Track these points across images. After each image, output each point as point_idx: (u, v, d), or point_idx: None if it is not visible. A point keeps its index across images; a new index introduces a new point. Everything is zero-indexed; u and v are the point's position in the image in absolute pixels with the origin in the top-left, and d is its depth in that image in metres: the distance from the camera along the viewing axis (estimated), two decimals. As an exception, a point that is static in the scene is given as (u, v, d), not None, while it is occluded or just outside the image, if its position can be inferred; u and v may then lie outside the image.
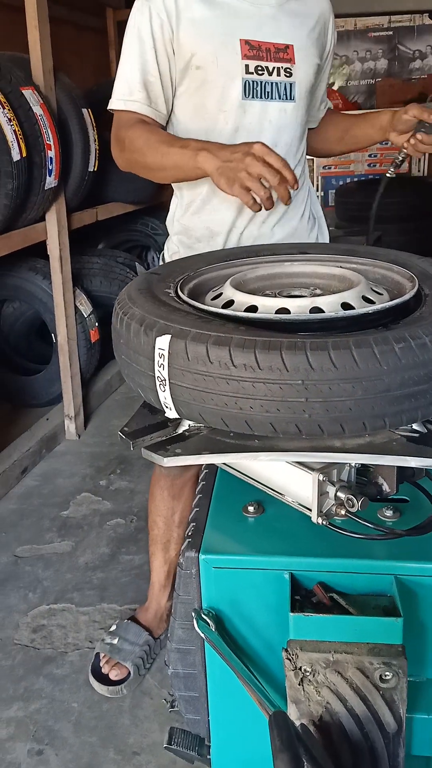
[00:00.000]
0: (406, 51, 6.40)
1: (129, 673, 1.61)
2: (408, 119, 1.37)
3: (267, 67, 1.34)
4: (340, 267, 1.12)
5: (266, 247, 1.26)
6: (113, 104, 1.38)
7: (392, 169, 1.40)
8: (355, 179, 5.53)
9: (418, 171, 6.31)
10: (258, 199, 1.14)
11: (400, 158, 1.41)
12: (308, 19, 1.42)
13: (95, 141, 2.99)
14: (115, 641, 1.65)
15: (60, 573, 2.08)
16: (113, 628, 1.71)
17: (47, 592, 2.00)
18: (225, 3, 1.33)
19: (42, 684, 1.67)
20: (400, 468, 0.92)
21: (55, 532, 2.30)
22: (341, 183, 4.99)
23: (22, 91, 2.40)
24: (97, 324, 3.13)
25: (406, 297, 0.94)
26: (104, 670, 1.62)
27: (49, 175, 2.54)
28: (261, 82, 1.34)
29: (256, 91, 1.35)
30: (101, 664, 1.63)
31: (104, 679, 1.61)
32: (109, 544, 2.22)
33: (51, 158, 2.53)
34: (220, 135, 1.37)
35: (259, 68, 1.34)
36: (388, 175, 1.41)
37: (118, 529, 2.31)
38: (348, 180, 5.45)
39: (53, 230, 2.78)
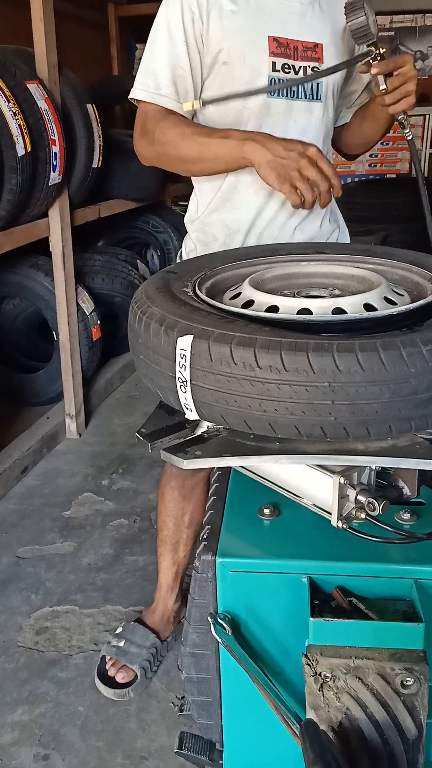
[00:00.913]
0: (408, 52, 6.39)
1: (136, 676, 1.60)
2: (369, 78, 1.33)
3: (294, 66, 1.33)
4: (358, 267, 1.11)
5: (281, 246, 1.24)
6: (137, 94, 1.35)
7: (406, 131, 1.34)
8: (356, 179, 5.52)
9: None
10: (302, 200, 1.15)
11: (398, 118, 1.34)
12: (338, 16, 1.40)
13: (99, 137, 2.97)
14: (122, 644, 1.64)
15: (63, 574, 2.06)
16: (119, 630, 1.69)
17: (50, 593, 1.98)
18: None
19: (47, 687, 1.65)
20: (420, 471, 0.91)
21: (57, 532, 2.28)
22: (343, 183, 4.98)
23: (27, 85, 2.38)
24: (99, 322, 3.11)
25: (431, 298, 0.93)
26: (110, 673, 1.61)
27: (53, 171, 2.52)
28: (288, 81, 1.33)
29: (283, 89, 1.33)
30: (107, 667, 1.62)
31: (111, 682, 1.60)
32: (113, 544, 2.21)
33: (55, 154, 2.51)
34: None
35: (286, 66, 1.33)
36: (408, 139, 1.34)
37: (121, 529, 2.29)
38: (349, 180, 5.44)
39: (56, 227, 2.75)
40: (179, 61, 1.31)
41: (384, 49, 1.25)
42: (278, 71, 1.32)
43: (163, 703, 1.59)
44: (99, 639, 1.79)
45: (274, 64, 1.32)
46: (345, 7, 1.22)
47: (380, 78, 1.25)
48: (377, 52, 1.24)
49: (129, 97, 1.38)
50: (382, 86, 1.25)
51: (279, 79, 1.32)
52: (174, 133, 1.28)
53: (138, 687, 1.60)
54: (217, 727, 1.05)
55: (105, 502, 2.46)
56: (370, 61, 1.25)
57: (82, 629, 1.83)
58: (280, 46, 1.32)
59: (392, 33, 6.27)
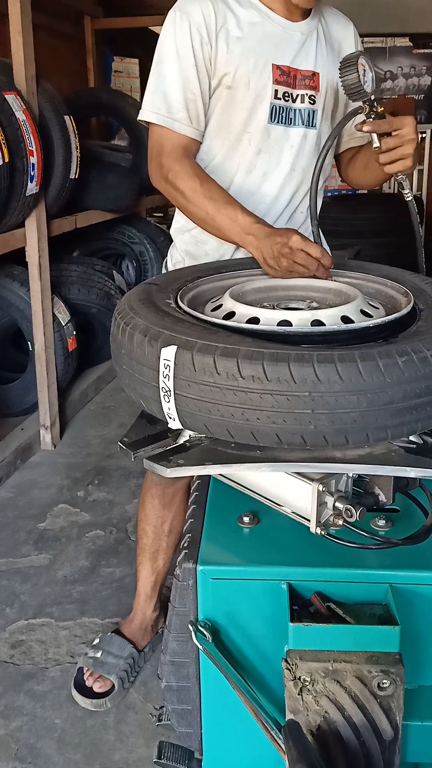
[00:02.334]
0: (378, 71, 6.55)
1: (113, 686, 1.59)
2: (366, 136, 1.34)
3: (292, 94, 1.37)
4: (335, 281, 1.14)
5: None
6: (148, 116, 1.36)
7: (405, 192, 1.30)
8: (328, 194, 5.62)
9: (389, 188, 6.45)
10: None
11: (397, 178, 1.29)
12: (334, 45, 1.45)
13: (77, 148, 2.99)
14: (99, 654, 1.63)
15: (38, 587, 2.05)
16: (96, 641, 1.68)
17: (25, 606, 1.96)
18: (259, 25, 1.34)
19: (23, 701, 1.63)
20: (396, 478, 0.93)
21: (31, 545, 2.26)
22: (316, 197, 5.06)
23: (5, 96, 2.39)
24: (74, 332, 3.11)
25: (405, 311, 0.97)
26: (88, 684, 1.60)
27: (31, 182, 2.52)
28: (286, 108, 1.37)
29: (281, 116, 1.37)
30: (84, 678, 1.61)
31: (87, 693, 1.59)
32: (89, 556, 2.20)
33: (33, 164, 2.51)
34: (243, 156, 1.39)
35: (286, 94, 1.36)
36: (407, 198, 1.31)
37: (97, 541, 2.28)
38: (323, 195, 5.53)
39: (33, 237, 2.75)
40: (190, 85, 1.32)
41: (381, 108, 1.21)
42: (279, 99, 1.36)
43: (141, 714, 1.58)
44: (75, 651, 1.78)
45: (276, 91, 1.35)
46: (340, 63, 1.20)
47: (374, 136, 1.21)
48: (371, 109, 1.20)
49: (139, 118, 1.39)
50: (376, 144, 1.21)
51: (279, 107, 1.36)
52: (187, 186, 1.30)
53: (115, 697, 1.59)
54: (197, 736, 1.06)
55: (81, 513, 2.45)
56: (365, 118, 1.21)
57: (58, 642, 1.82)
58: (283, 74, 1.35)
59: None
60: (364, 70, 1.17)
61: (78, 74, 4.55)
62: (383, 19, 2.48)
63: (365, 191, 6.50)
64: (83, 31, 4.56)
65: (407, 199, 1.30)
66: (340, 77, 1.20)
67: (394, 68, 6.52)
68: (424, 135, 6.30)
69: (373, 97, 1.20)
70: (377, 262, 1.30)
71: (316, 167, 1.22)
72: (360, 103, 1.21)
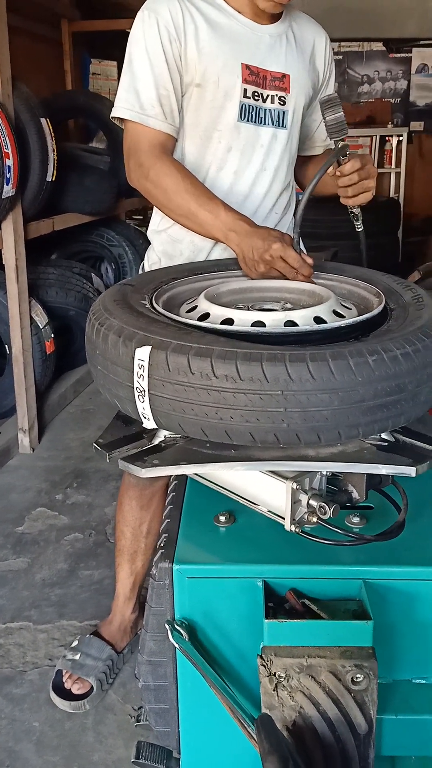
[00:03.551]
0: (355, 75, 6.62)
1: (92, 687, 1.59)
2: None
3: (262, 94, 1.39)
4: (310, 282, 1.16)
5: (234, 261, 1.28)
6: (122, 113, 1.36)
7: (357, 224, 1.40)
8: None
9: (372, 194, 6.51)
10: None
11: (353, 211, 1.39)
12: (305, 50, 1.47)
13: (54, 151, 2.98)
14: (77, 657, 1.63)
15: (16, 591, 2.03)
16: (75, 643, 1.68)
17: (3, 610, 1.95)
18: (227, 26, 1.36)
19: (1, 704, 1.62)
20: (369, 476, 0.95)
21: (9, 548, 2.24)
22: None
23: (-20, 100, 2.38)
24: (52, 335, 3.10)
25: (376, 312, 0.98)
26: (66, 686, 1.59)
27: (7, 184, 2.51)
28: (256, 107, 1.38)
29: (251, 115, 1.38)
30: (63, 680, 1.61)
31: (66, 695, 1.58)
32: (67, 559, 2.19)
33: (9, 167, 2.50)
34: (214, 154, 1.40)
35: (256, 94, 1.38)
36: (359, 230, 1.41)
37: (76, 544, 2.27)
38: (299, 197, 5.58)
39: (9, 240, 2.74)
40: (162, 81, 1.33)
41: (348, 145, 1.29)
42: (248, 98, 1.37)
43: (120, 715, 1.58)
44: (54, 654, 1.77)
45: (245, 90, 1.37)
46: (322, 104, 1.26)
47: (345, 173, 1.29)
48: (349, 146, 1.27)
49: (112, 116, 1.39)
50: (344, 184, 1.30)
51: (248, 106, 1.38)
52: (168, 183, 1.31)
53: (94, 699, 1.59)
54: (175, 734, 1.06)
55: (59, 516, 2.44)
56: (340, 158, 1.27)
57: (36, 645, 1.81)
58: (252, 74, 1.37)
59: (340, 57, 6.49)
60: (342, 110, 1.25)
61: (55, 77, 4.54)
62: (357, 24, 2.52)
63: (361, 228, 6.54)
64: (60, 34, 4.55)
65: (359, 230, 1.41)
66: (325, 115, 1.25)
67: (370, 72, 6.60)
68: (400, 138, 6.38)
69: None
70: (355, 263, 1.33)
71: (309, 187, 1.22)
72: (342, 142, 1.27)
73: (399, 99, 6.66)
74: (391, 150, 6.49)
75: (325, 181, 1.31)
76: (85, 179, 3.49)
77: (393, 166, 6.47)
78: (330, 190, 1.38)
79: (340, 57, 6.49)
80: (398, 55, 6.28)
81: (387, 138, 6.50)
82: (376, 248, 4.86)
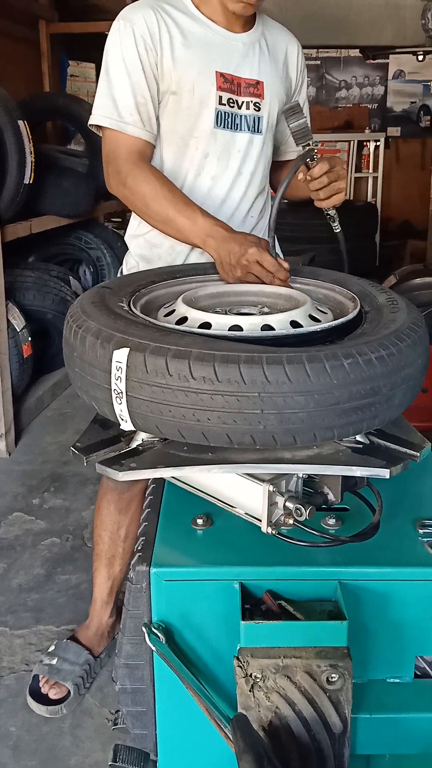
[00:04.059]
0: (333, 81, 6.70)
1: (69, 692, 1.58)
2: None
3: (237, 101, 1.41)
4: (287, 287, 1.17)
5: (212, 265, 1.29)
6: (100, 120, 1.37)
7: (334, 225, 1.41)
8: (286, 201, 5.70)
9: (345, 195, 6.58)
10: None
11: (329, 213, 1.40)
12: (278, 57, 1.49)
13: (31, 153, 2.97)
14: (54, 661, 1.62)
15: (-8, 595, 2.02)
16: (52, 648, 1.67)
17: (-22, 615, 1.93)
18: (201, 34, 1.38)
19: (-24, 710, 1.61)
20: (344, 478, 0.96)
21: (-15, 553, 2.22)
22: (272, 204, 5.13)
23: (-43, 100, 2.36)
24: (30, 339, 3.08)
25: (351, 316, 1.00)
26: (43, 691, 1.58)
27: (-16, 186, 2.50)
28: (231, 114, 1.40)
29: (227, 121, 1.40)
30: (40, 685, 1.59)
31: (43, 699, 1.57)
32: (44, 564, 2.17)
33: (-14, 169, 2.49)
34: (191, 160, 1.41)
35: (231, 101, 1.40)
36: (337, 231, 1.43)
37: (53, 548, 2.26)
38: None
39: (-14, 242, 2.72)
40: (139, 89, 1.34)
41: (318, 146, 1.30)
42: (224, 105, 1.39)
43: (97, 718, 1.58)
44: (31, 659, 1.75)
45: (220, 98, 1.39)
46: (285, 112, 1.29)
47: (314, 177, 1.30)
48: (316, 150, 1.29)
49: (90, 123, 1.40)
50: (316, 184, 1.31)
51: (224, 113, 1.39)
52: (146, 189, 1.32)
53: (71, 703, 1.58)
54: (152, 737, 1.06)
55: (36, 521, 2.42)
56: (308, 162, 1.29)
57: (12, 650, 1.79)
58: (226, 82, 1.39)
59: (318, 62, 6.56)
60: (306, 116, 1.28)
61: (33, 78, 4.52)
62: (335, 31, 2.56)
63: (338, 229, 6.60)
64: (38, 35, 4.53)
65: (336, 231, 1.43)
66: (289, 123, 1.28)
67: (348, 77, 6.68)
68: (378, 143, 6.47)
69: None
70: (333, 267, 1.35)
71: (279, 191, 1.24)
72: (308, 146, 1.29)
73: (376, 104, 6.74)
74: (369, 155, 6.57)
75: (298, 185, 1.34)
76: (62, 181, 3.48)
77: (370, 170, 6.55)
78: (303, 193, 1.40)
79: (318, 62, 6.56)
80: (375, 61, 6.36)
81: (365, 143, 6.58)
82: (354, 252, 4.89)
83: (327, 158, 1.31)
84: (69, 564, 2.17)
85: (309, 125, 1.28)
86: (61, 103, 4.14)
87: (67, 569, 2.14)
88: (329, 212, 1.38)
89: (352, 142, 6.52)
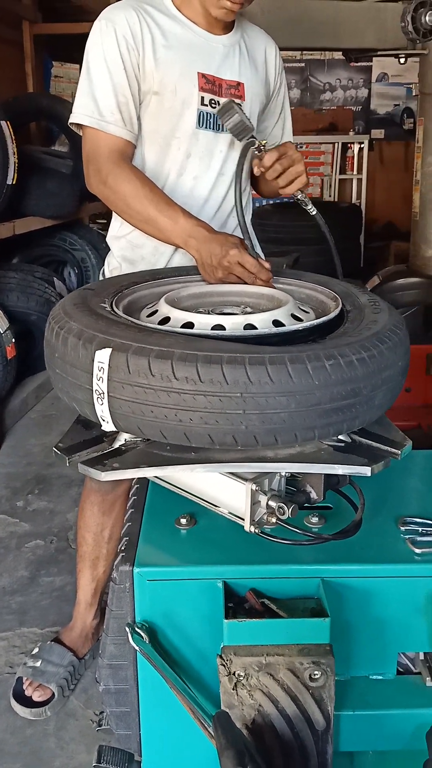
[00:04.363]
0: (317, 83, 6.73)
1: (53, 694, 1.57)
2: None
3: (219, 101, 1.41)
4: (271, 287, 1.18)
5: (195, 267, 1.29)
6: (80, 119, 1.37)
7: (309, 208, 1.39)
8: (271, 202, 5.73)
9: (330, 196, 6.62)
10: None
11: (298, 198, 1.39)
12: (257, 59, 1.51)
13: (14, 154, 2.95)
14: (38, 664, 1.61)
15: (-24, 598, 2.00)
16: (36, 650, 1.66)
17: (-38, 618, 1.91)
18: (183, 35, 1.38)
19: (-40, 713, 1.59)
20: (326, 476, 0.97)
21: (-31, 555, 2.21)
22: (258, 205, 5.16)
23: None
24: (13, 340, 3.06)
25: (332, 315, 1.01)
26: (27, 693, 1.57)
27: (-34, 187, 2.48)
28: (213, 115, 1.41)
29: (209, 122, 1.41)
30: (24, 687, 1.59)
31: (27, 702, 1.56)
32: (28, 566, 2.16)
33: (-32, 169, 2.47)
34: (174, 160, 1.41)
35: (213, 101, 1.41)
36: (313, 213, 1.40)
37: (37, 551, 2.25)
38: (264, 203, 5.64)
39: (-31, 243, 2.71)
40: (121, 89, 1.35)
41: (264, 141, 1.33)
42: (206, 105, 1.40)
43: (82, 720, 1.57)
44: (15, 662, 1.74)
45: (202, 98, 1.39)
46: (218, 112, 1.33)
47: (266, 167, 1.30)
48: (259, 142, 1.31)
49: (70, 122, 1.39)
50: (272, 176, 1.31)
51: (206, 113, 1.40)
52: (127, 189, 1.32)
53: (55, 705, 1.57)
54: (136, 737, 1.06)
55: (20, 523, 2.41)
56: (255, 152, 1.31)
57: (-4, 653, 1.78)
58: (208, 83, 1.40)
59: (303, 64, 6.59)
60: (240, 113, 1.30)
61: (17, 79, 4.50)
62: (317, 34, 2.58)
63: (313, 211, 6.64)
64: (22, 36, 4.51)
65: (312, 213, 1.40)
66: (224, 122, 1.31)
67: (332, 80, 6.72)
68: (362, 145, 6.51)
69: (255, 132, 1.33)
70: (318, 268, 1.35)
71: (235, 195, 1.26)
72: (248, 140, 1.31)
73: (360, 107, 6.79)
74: (353, 157, 6.62)
75: (263, 180, 1.37)
76: (46, 182, 3.47)
77: (355, 172, 6.59)
78: (271, 187, 1.41)
79: (303, 65, 6.59)
80: (359, 64, 6.40)
81: (349, 145, 6.62)
82: (340, 254, 4.94)
83: (276, 147, 1.32)
84: (53, 566, 2.16)
85: (246, 120, 1.29)
86: (45, 103, 4.13)
87: (51, 571, 2.13)
88: (297, 197, 1.38)
89: (336, 144, 6.56)
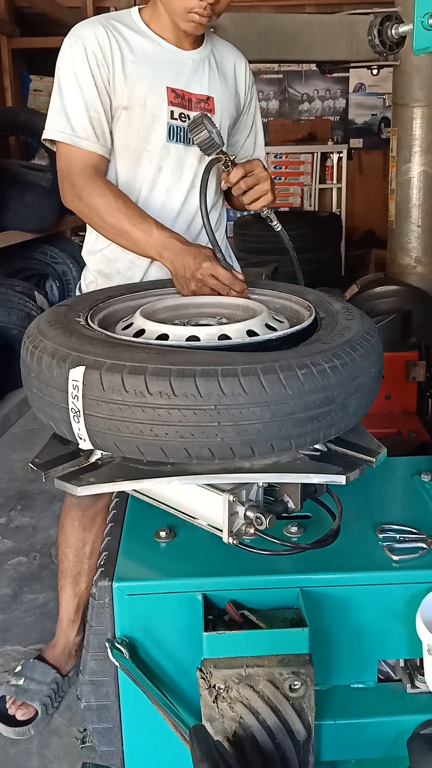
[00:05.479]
0: (295, 94, 6.80)
1: (36, 712, 1.56)
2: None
3: (189, 115, 1.42)
4: (246, 297, 1.19)
5: (170, 280, 1.30)
6: (53, 135, 1.38)
7: (274, 224, 1.43)
8: (251, 213, 5.76)
9: (310, 205, 6.68)
10: None
11: (263, 214, 1.43)
12: (227, 73, 1.52)
13: (-8, 169, 2.95)
14: (21, 682, 1.59)
15: (-42, 617, 1.98)
16: (18, 668, 1.64)
17: None
18: (152, 51, 1.40)
19: None
20: (303, 485, 0.97)
21: None
22: (239, 216, 5.18)
23: None
24: (-6, 354, 3.05)
25: (305, 324, 1.02)
26: (10, 712, 1.56)
27: None
28: (183, 128, 1.42)
29: (179, 135, 1.42)
30: (7, 706, 1.57)
31: (10, 721, 1.55)
32: (11, 584, 2.14)
33: None
34: (145, 174, 1.42)
35: (183, 115, 1.42)
36: (278, 230, 1.44)
37: (19, 567, 2.23)
38: (246, 213, 5.67)
39: None
40: (92, 104, 1.36)
41: (233, 156, 1.35)
42: (176, 119, 1.41)
43: (66, 738, 1.55)
44: (-2, 680, 1.73)
45: (172, 112, 1.40)
46: (188, 126, 1.35)
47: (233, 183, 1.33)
48: (227, 158, 1.33)
49: (43, 138, 1.40)
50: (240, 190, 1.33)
51: (176, 127, 1.41)
52: (101, 203, 1.33)
53: (39, 724, 1.56)
54: (119, 753, 1.06)
55: (2, 540, 2.39)
56: (223, 167, 1.34)
57: (-21, 672, 1.76)
58: (177, 97, 1.41)
59: (281, 76, 6.66)
60: (210, 128, 1.31)
61: (-6, 93, 4.50)
62: (290, 46, 2.61)
63: (287, 209, 6.72)
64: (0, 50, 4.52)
65: (277, 230, 1.44)
66: (192, 137, 1.33)
67: (310, 91, 6.79)
68: (341, 155, 6.58)
69: (224, 148, 1.36)
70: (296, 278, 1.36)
71: (201, 209, 1.28)
72: (215, 156, 1.33)
73: (338, 117, 6.86)
74: (332, 166, 6.68)
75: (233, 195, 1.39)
76: (26, 196, 3.47)
77: (334, 181, 6.65)
78: (238, 202, 1.43)
79: (281, 76, 6.65)
80: (335, 75, 6.48)
81: (328, 155, 6.69)
82: (320, 262, 4.97)
83: (243, 163, 1.34)
84: (36, 583, 2.14)
85: (214, 136, 1.31)
86: (23, 117, 4.13)
87: (34, 588, 2.11)
88: (263, 213, 1.40)
89: (315, 154, 6.62)
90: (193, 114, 1.42)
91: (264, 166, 1.37)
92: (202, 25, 1.36)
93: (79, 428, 0.89)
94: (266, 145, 1.75)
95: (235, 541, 0.94)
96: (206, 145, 1.32)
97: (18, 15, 4.66)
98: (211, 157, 1.33)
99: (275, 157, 6.62)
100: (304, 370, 0.86)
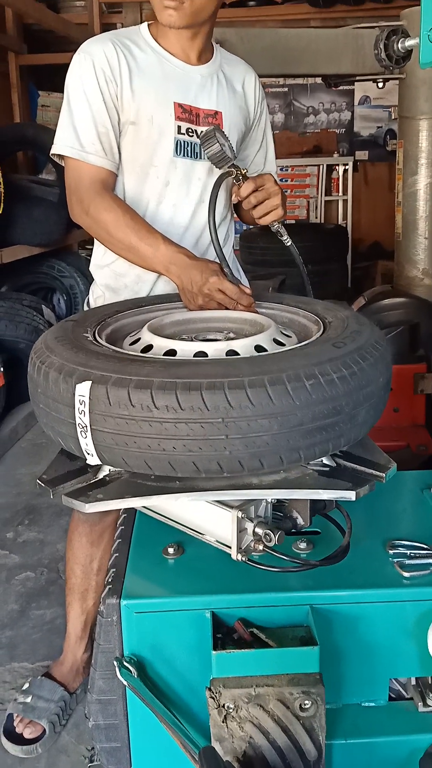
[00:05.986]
0: (301, 107, 6.84)
1: (44, 730, 1.54)
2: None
3: (196, 130, 1.43)
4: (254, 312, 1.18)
5: (177, 295, 1.30)
6: (62, 150, 1.39)
7: (284, 238, 1.43)
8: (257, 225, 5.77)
9: (316, 218, 6.69)
10: None
11: (273, 228, 1.43)
12: (236, 88, 1.53)
13: (1, 183, 2.98)
14: (29, 699, 1.57)
15: (-35, 632, 1.97)
16: (26, 686, 1.63)
17: None
18: (159, 66, 1.41)
19: None
20: (312, 501, 0.96)
21: (-42, 589, 2.17)
22: (245, 228, 5.20)
23: None
24: (2, 369, 3.05)
25: (312, 340, 1.01)
26: (18, 730, 1.54)
27: None
28: (191, 143, 1.43)
29: (186, 150, 1.43)
30: (15, 724, 1.55)
31: (18, 739, 1.53)
32: (18, 599, 2.13)
33: None
34: (152, 189, 1.43)
35: (190, 130, 1.43)
36: (288, 244, 1.45)
37: (27, 583, 2.21)
38: (252, 226, 5.68)
39: None
40: (101, 119, 1.37)
41: (245, 170, 1.35)
42: (183, 134, 1.42)
43: (74, 756, 1.53)
44: (5, 697, 1.71)
45: (179, 127, 1.41)
46: (200, 139, 1.35)
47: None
48: (238, 171, 1.33)
49: (52, 152, 1.41)
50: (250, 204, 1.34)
51: (184, 142, 1.42)
52: (109, 218, 1.34)
53: (46, 742, 1.54)
54: (128, 773, 1.04)
55: (10, 555, 2.37)
56: (234, 181, 1.34)
57: (-14, 689, 1.75)
58: (185, 112, 1.42)
59: (286, 89, 6.71)
60: (223, 141, 1.32)
61: (3, 109, 4.56)
62: (296, 61, 2.63)
63: (293, 221, 6.74)
64: (8, 67, 4.58)
65: (287, 245, 1.44)
66: (204, 150, 1.33)
67: (315, 104, 6.83)
68: (346, 167, 6.60)
69: (235, 161, 1.36)
70: (304, 290, 1.35)
71: (209, 224, 1.28)
72: (227, 169, 1.34)
73: (344, 129, 6.90)
74: (338, 178, 6.70)
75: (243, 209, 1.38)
76: (33, 211, 3.49)
77: (340, 193, 6.67)
78: (248, 216, 1.43)
79: (286, 89, 6.70)
80: (341, 88, 6.52)
81: (334, 167, 6.71)
82: (327, 274, 4.98)
83: (254, 177, 1.34)
84: (44, 599, 2.12)
85: (226, 150, 1.32)
86: (31, 133, 4.17)
87: (42, 604, 2.10)
88: (273, 228, 1.40)
89: (321, 166, 6.64)
90: (200, 129, 1.43)
91: (275, 181, 1.37)
92: (176, 10, 1.32)
93: (86, 443, 0.88)
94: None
95: (243, 558, 0.93)
96: (218, 159, 1.32)
97: (26, 32, 4.72)
98: (222, 171, 1.34)
99: (281, 169, 6.64)
100: (312, 381, 0.85)
